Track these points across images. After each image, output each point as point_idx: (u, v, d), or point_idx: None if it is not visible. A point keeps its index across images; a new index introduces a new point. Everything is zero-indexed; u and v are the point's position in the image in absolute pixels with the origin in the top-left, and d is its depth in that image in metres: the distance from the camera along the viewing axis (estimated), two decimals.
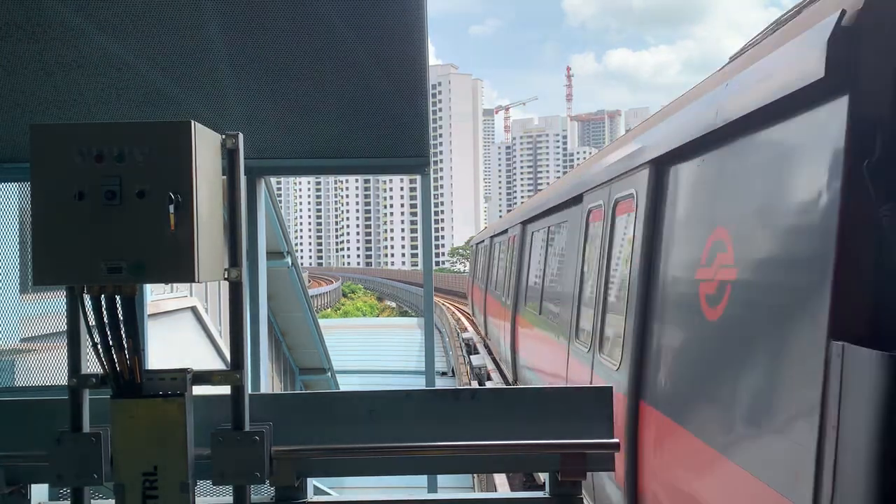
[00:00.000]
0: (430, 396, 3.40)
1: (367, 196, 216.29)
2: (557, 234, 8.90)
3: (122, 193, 2.69)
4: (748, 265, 3.40)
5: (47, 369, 5.62)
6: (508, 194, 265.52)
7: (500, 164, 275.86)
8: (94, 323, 2.89)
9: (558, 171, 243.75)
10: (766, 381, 3.15)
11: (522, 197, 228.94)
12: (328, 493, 6.84)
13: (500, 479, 9.98)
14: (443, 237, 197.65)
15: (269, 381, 6.01)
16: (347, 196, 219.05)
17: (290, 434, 3.19)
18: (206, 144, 2.85)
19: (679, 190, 4.41)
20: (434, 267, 5.52)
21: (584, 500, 3.32)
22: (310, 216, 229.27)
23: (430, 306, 5.43)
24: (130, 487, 2.89)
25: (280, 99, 4.97)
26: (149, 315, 5.73)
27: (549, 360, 8.58)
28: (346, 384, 18.52)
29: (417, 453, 3.27)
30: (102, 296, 2.84)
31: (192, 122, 2.76)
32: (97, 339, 2.88)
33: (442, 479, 6.01)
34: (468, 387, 12.07)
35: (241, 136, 3.06)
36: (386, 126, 5.00)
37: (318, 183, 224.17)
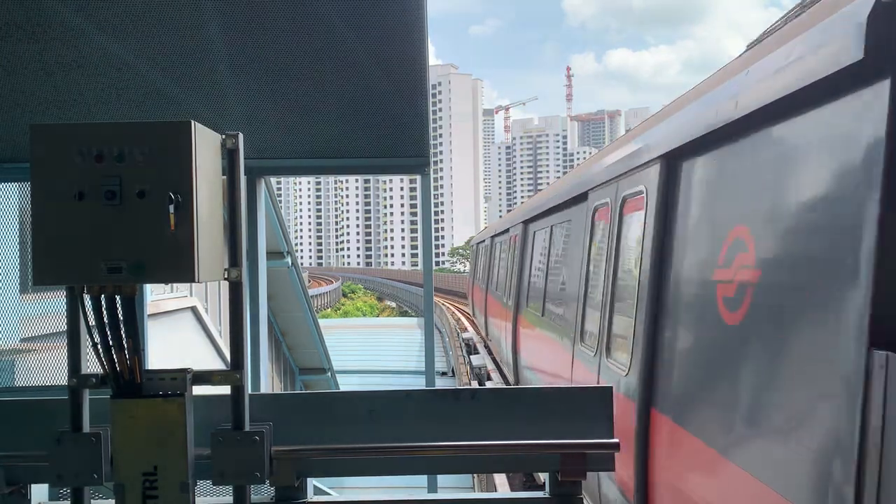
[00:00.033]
0: (430, 396, 3.40)
1: (367, 196, 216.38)
2: (561, 233, 8.71)
3: (122, 193, 2.69)
4: (773, 267, 3.14)
5: (47, 369, 5.62)
6: (508, 194, 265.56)
7: (500, 164, 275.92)
8: (94, 323, 2.89)
9: (558, 172, 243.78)
10: (793, 393, 2.89)
11: (522, 197, 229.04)
12: (328, 493, 6.83)
13: (500, 479, 9.98)
14: (443, 237, 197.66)
15: (269, 381, 6.01)
16: (347, 196, 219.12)
17: (290, 434, 3.19)
18: (206, 144, 2.85)
19: (693, 186, 4.17)
20: (434, 267, 5.51)
21: (585, 500, 3.32)
22: (310, 216, 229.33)
23: (430, 306, 5.43)
24: (130, 487, 2.89)
25: (280, 99, 4.97)
26: (149, 315, 5.73)
27: (552, 363, 8.39)
28: (346, 384, 18.51)
29: (417, 453, 3.27)
30: (102, 296, 2.84)
31: (192, 122, 2.76)
32: (97, 339, 2.88)
33: (442, 479, 6.00)
34: (468, 387, 12.07)
35: (241, 136, 3.06)
36: (386, 126, 5.00)
37: (318, 183, 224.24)
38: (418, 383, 13.84)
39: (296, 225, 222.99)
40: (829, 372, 2.62)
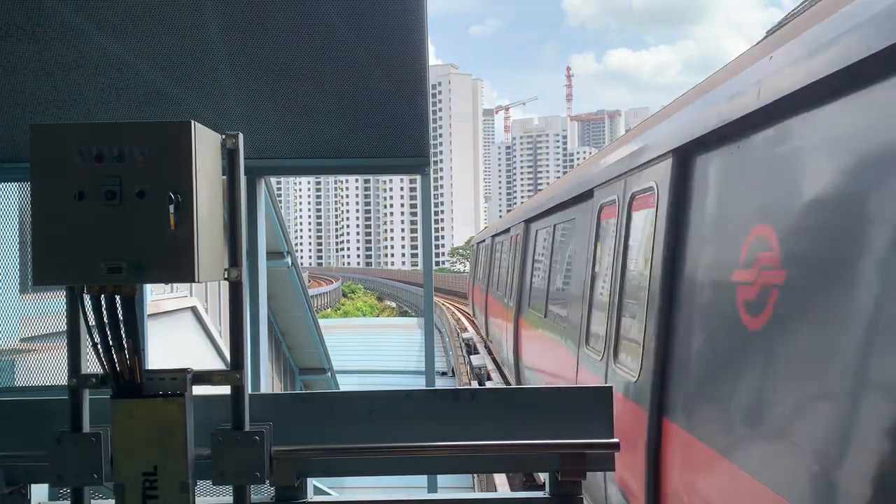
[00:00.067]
0: (430, 396, 3.40)
1: (367, 196, 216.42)
2: (564, 232, 8.49)
3: (122, 193, 2.69)
4: (803, 269, 2.86)
5: (47, 369, 5.62)
6: (508, 194, 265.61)
7: (500, 164, 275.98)
8: (93, 323, 2.89)
9: (558, 172, 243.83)
10: (826, 405, 2.62)
11: (522, 197, 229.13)
12: (328, 493, 6.84)
13: (500, 479, 9.98)
14: (443, 237, 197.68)
15: (269, 381, 6.01)
16: (347, 196, 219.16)
17: (290, 434, 3.19)
18: (206, 144, 2.85)
19: (708, 182, 3.91)
20: (434, 267, 5.51)
21: (584, 500, 3.31)
22: (310, 216, 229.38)
23: (430, 306, 5.42)
24: (130, 487, 2.89)
25: (280, 99, 4.97)
26: (149, 315, 5.73)
27: (555, 366, 8.18)
28: (346, 384, 18.52)
29: (417, 453, 3.27)
30: (102, 296, 2.84)
31: (192, 122, 2.76)
32: (97, 339, 2.88)
33: (442, 479, 6.00)
34: (468, 387, 12.05)
35: (241, 136, 3.06)
36: (386, 126, 5.00)
37: (318, 183, 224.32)
38: (418, 383, 13.82)
39: (296, 225, 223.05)
40: (867, 383, 2.38)
